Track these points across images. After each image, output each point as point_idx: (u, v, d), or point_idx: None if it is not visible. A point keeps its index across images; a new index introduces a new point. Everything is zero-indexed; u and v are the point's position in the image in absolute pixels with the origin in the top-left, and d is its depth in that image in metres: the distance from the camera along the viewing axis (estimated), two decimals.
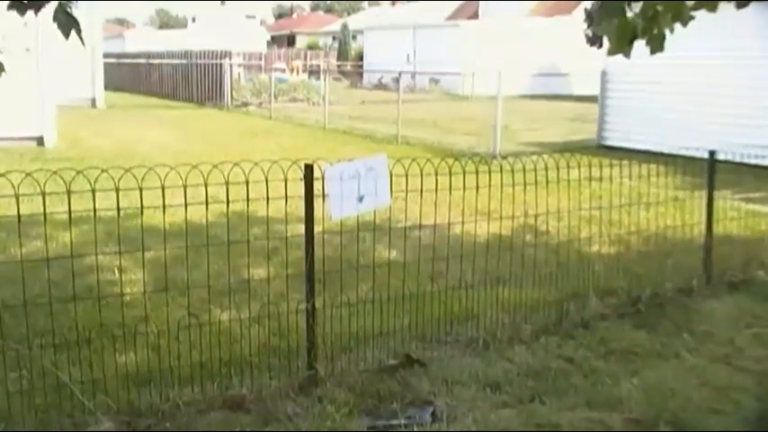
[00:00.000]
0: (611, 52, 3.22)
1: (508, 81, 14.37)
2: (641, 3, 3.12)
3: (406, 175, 4.13)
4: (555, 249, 5.35)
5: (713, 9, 3.14)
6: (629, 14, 3.14)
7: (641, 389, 3.96)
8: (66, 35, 3.54)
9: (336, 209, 3.83)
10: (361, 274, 4.60)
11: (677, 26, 3.11)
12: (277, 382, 3.92)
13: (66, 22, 3.51)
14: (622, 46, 3.21)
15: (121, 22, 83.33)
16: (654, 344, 4.57)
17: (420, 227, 4.31)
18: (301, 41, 64.42)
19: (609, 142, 14.18)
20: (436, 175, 4.16)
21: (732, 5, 3.22)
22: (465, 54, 30.28)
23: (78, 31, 3.58)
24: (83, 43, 3.75)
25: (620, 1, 3.14)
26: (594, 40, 4.14)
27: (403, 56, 34.92)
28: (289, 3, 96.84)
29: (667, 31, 3.13)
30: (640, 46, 3.45)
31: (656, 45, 3.20)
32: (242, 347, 4.09)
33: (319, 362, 4.00)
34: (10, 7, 3.54)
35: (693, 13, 3.05)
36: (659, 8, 3.08)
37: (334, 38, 56.39)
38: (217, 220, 6.79)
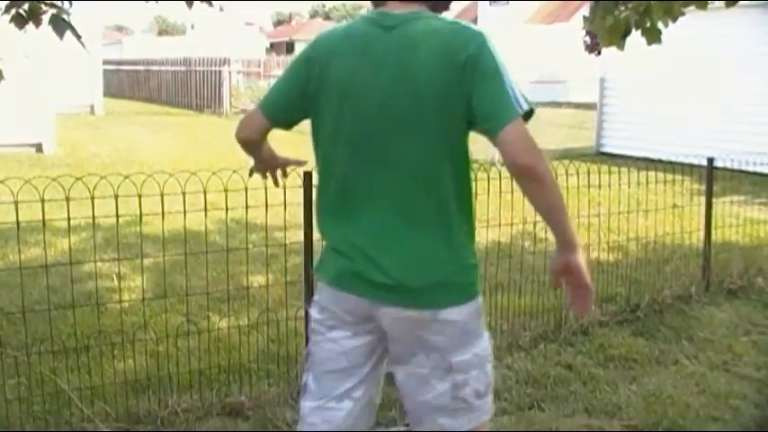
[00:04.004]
0: (604, 45, 3.26)
1: None
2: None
3: None
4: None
5: (703, 7, 3.18)
6: (623, 12, 3.17)
7: (640, 396, 3.96)
8: (61, 36, 3.55)
9: None
10: None
11: (680, 32, 3.16)
12: (276, 388, 3.92)
13: (62, 25, 3.53)
14: (615, 40, 3.25)
15: (120, 28, 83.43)
16: (653, 351, 4.57)
17: None
18: (300, 48, 64.49)
19: (608, 149, 14.20)
20: None
21: (735, 9, 3.28)
22: None
23: (76, 35, 3.60)
24: (84, 47, 3.76)
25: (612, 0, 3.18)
26: (593, 48, 4.16)
27: None
28: (288, 9, 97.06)
29: (673, 38, 3.19)
30: (641, 51, 3.47)
31: (653, 37, 3.23)
32: (241, 354, 4.08)
33: None
34: (10, 20, 3.56)
35: (697, 15, 3.10)
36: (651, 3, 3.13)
37: None
38: (216, 227, 6.79)
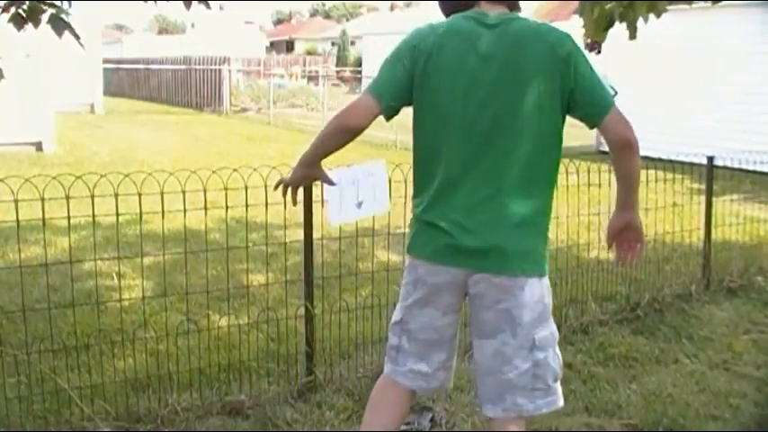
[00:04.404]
0: (589, 37, 3.25)
1: None
2: None
3: (405, 181, 4.12)
4: (553, 255, 5.35)
5: (689, 4, 3.19)
6: (607, 4, 3.17)
7: (640, 394, 3.96)
8: (60, 35, 3.55)
9: (335, 214, 3.83)
10: (360, 279, 4.60)
11: (680, 30, 3.16)
12: (276, 387, 3.92)
13: (60, 25, 3.54)
14: (598, 33, 3.25)
15: (120, 27, 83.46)
16: (653, 349, 4.57)
17: None
18: (300, 47, 64.53)
19: (607, 148, 14.17)
20: None
21: (735, 8, 3.28)
22: None
23: (75, 35, 3.60)
24: (82, 47, 3.77)
25: None
26: (593, 47, 4.16)
27: None
28: (288, 8, 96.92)
29: (673, 36, 3.18)
30: (641, 50, 3.46)
31: (631, 32, 3.22)
32: (240, 353, 4.08)
33: (318, 367, 4.00)
34: (9, 19, 3.56)
35: (697, 13, 3.10)
36: None
37: (333, 43, 56.49)
38: (216, 225, 6.80)
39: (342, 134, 2.53)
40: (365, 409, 2.82)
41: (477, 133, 2.41)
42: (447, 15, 2.59)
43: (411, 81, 2.45)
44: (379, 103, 2.46)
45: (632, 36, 3.22)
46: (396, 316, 2.70)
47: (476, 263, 2.44)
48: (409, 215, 3.37)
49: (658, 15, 3.17)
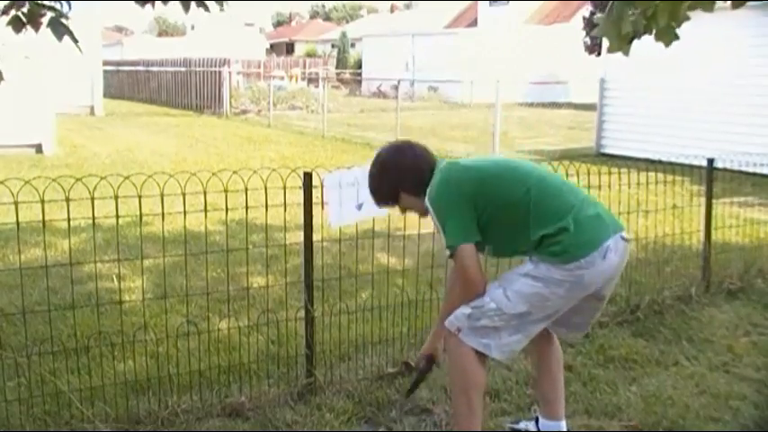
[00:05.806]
0: (612, 50, 3.25)
1: (506, 89, 14.39)
2: (641, 3, 3.14)
3: None
4: None
5: (710, 9, 3.16)
6: (631, 16, 3.16)
7: (640, 396, 3.96)
8: (60, 38, 3.55)
9: (335, 216, 3.83)
10: (360, 281, 4.60)
11: (681, 32, 3.14)
12: (276, 389, 3.92)
13: (60, 29, 3.54)
14: (622, 45, 3.24)
15: (120, 29, 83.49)
16: (653, 351, 4.57)
17: (419, 235, 4.31)
18: (300, 49, 64.56)
19: (608, 150, 14.20)
20: None
21: (736, 10, 3.25)
22: (464, 62, 30.33)
23: (74, 39, 3.60)
24: (80, 51, 3.76)
25: (626, 1, 3.16)
26: (593, 48, 4.16)
27: (402, 64, 34.98)
28: (288, 10, 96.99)
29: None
30: (640, 52, 3.45)
31: (668, 39, 3.21)
32: (240, 355, 4.08)
33: (318, 369, 4.00)
34: (7, 23, 3.56)
35: (691, 14, 3.07)
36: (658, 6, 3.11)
37: (332, 46, 56.51)
38: (216, 227, 6.80)
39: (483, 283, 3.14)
40: (463, 391, 3.13)
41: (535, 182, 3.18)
42: (421, 185, 3.16)
43: (476, 210, 3.05)
44: (475, 243, 3.06)
45: (668, 42, 3.22)
46: (518, 308, 3.05)
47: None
48: (409, 216, 3.37)
49: (679, 24, 3.16)
